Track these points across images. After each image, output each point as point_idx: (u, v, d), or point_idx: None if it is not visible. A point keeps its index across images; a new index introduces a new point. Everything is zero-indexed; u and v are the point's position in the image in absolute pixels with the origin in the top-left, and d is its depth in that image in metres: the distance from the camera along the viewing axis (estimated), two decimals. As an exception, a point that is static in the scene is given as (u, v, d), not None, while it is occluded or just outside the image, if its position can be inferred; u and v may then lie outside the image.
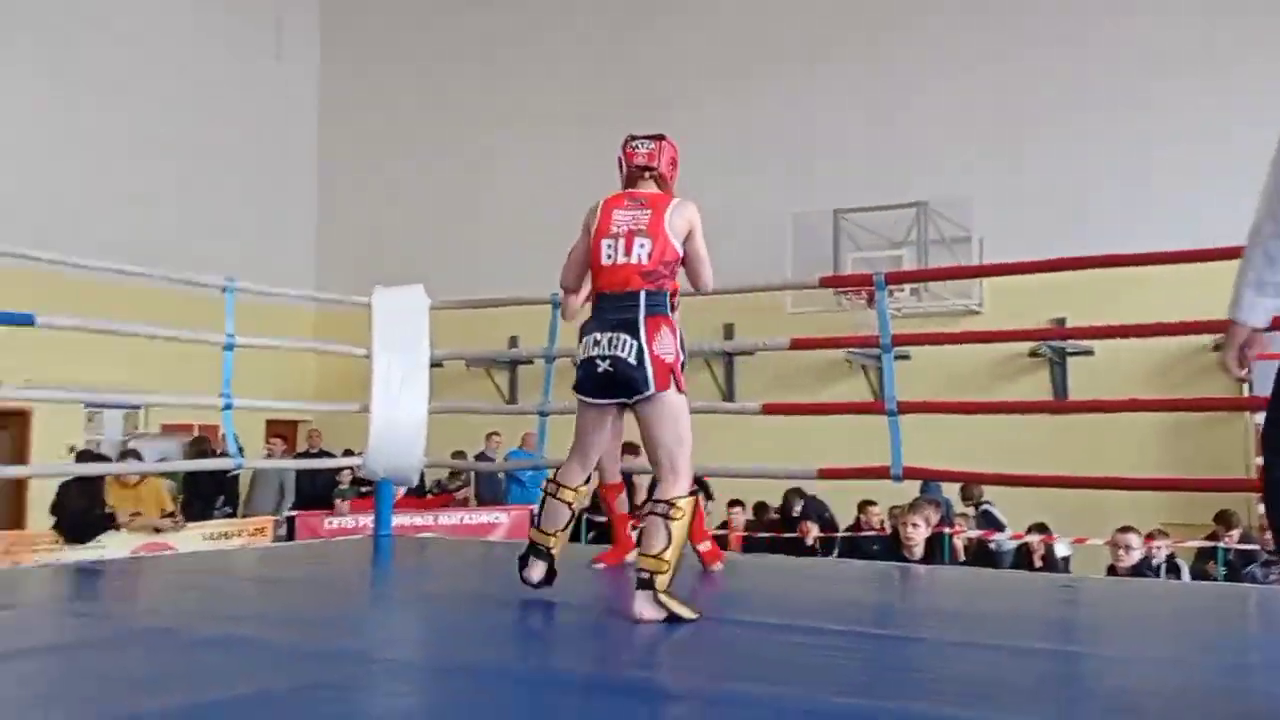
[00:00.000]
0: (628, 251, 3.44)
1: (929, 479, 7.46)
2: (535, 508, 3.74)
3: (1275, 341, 2.48)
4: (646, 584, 3.25)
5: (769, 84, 12.71)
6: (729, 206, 12.46)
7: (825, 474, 5.02)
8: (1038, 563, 7.85)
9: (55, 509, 7.88)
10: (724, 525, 9.52)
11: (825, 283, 6.94)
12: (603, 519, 9.81)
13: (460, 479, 11.59)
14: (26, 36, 11.85)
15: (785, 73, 12.64)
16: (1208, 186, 10.52)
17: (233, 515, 10.11)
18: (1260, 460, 2.18)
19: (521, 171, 13.66)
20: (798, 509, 9.23)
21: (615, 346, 3.37)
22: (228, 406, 5.35)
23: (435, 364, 5.82)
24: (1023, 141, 11.41)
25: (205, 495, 10.15)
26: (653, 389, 3.35)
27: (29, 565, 7.02)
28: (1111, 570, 6.43)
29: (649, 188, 3.64)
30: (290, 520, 9.85)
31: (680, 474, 3.36)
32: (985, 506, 8.82)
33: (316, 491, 10.81)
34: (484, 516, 9.85)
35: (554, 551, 3.66)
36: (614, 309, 3.43)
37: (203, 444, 11.22)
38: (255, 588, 4.49)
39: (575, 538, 4.87)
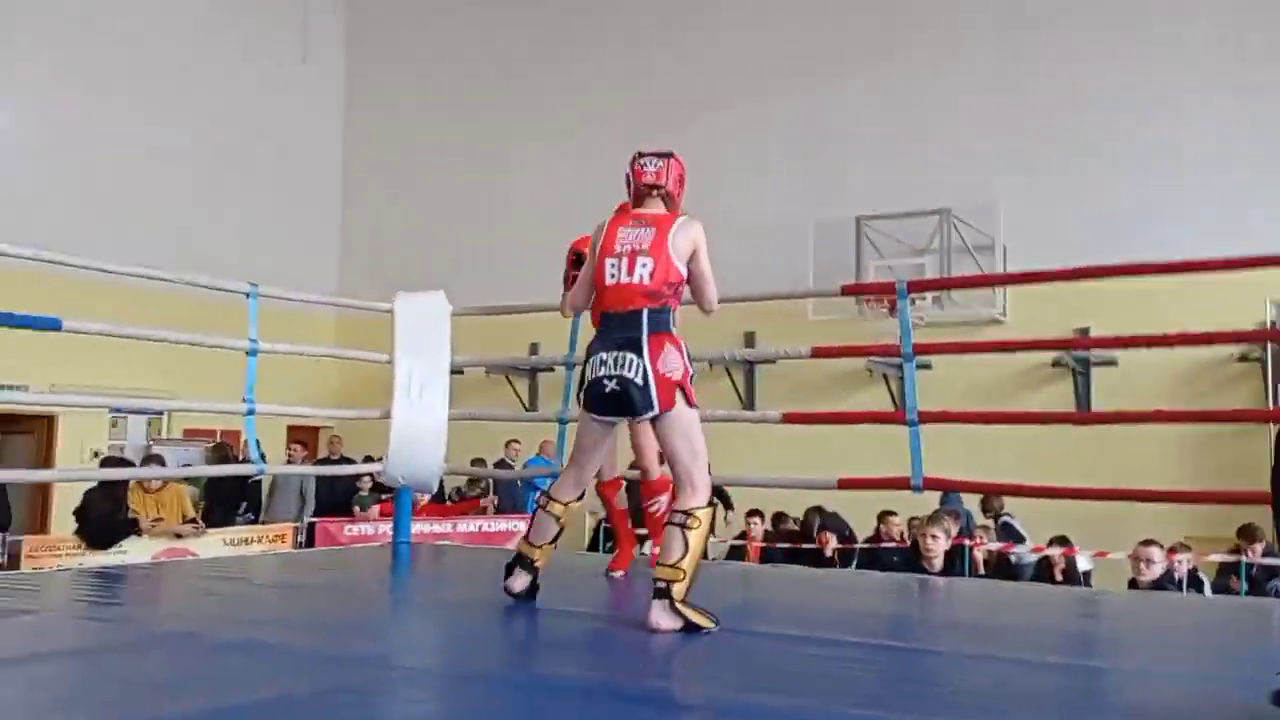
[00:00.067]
0: (630, 271, 3.46)
1: (949, 490, 7.44)
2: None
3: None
4: (663, 593, 3.27)
5: (791, 91, 12.70)
6: (751, 213, 12.48)
7: (845, 484, 5.00)
8: (1058, 576, 7.80)
9: (79, 513, 7.94)
10: (742, 535, 9.49)
11: (847, 291, 6.92)
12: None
13: (480, 486, 11.61)
14: (51, 39, 11.98)
15: (807, 79, 12.63)
16: (1237, 193, 10.46)
17: (255, 521, 10.16)
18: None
19: (544, 178, 13.70)
20: (817, 526, 9.19)
21: (621, 366, 3.39)
22: (250, 412, 5.38)
23: (456, 371, 5.83)
24: (1047, 148, 11.35)
25: (227, 501, 10.21)
26: (657, 410, 3.39)
27: (52, 569, 7.07)
28: (1133, 584, 6.38)
29: (656, 205, 3.64)
30: (310, 527, 9.90)
31: (698, 486, 3.39)
32: (1005, 518, 8.77)
33: (336, 498, 10.85)
34: (502, 524, 9.86)
35: (539, 564, 3.70)
36: (619, 328, 3.45)
37: (224, 449, 11.31)
38: (276, 593, 4.51)
39: (594, 546, 4.87)
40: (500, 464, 11.02)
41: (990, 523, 8.80)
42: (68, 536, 8.05)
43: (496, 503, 11.27)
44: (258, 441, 5.59)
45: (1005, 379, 10.61)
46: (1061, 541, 8.04)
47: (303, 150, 15.06)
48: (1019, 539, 8.45)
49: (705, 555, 3.56)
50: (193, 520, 8.51)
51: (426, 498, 8.67)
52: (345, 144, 15.88)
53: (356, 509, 10.74)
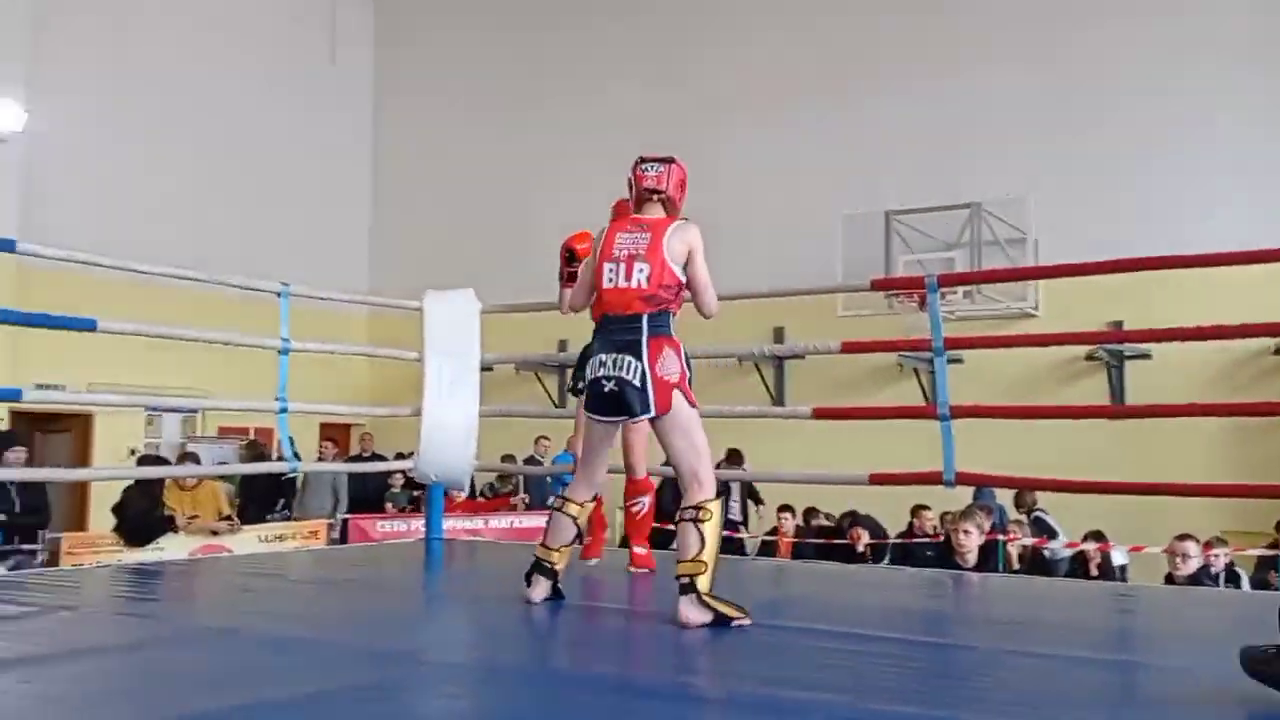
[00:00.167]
0: (628, 276, 3.52)
1: (982, 484, 7.40)
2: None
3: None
4: (689, 588, 3.31)
5: (820, 87, 12.65)
6: (780, 209, 12.46)
7: (876, 479, 4.97)
8: (1093, 571, 7.73)
9: (117, 511, 8.04)
10: (773, 531, 9.48)
11: (876, 285, 6.89)
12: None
13: (510, 483, 11.66)
14: (82, 41, 12.11)
15: (836, 76, 12.57)
16: (1272, 185, 10.33)
17: (290, 518, 10.25)
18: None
19: (573, 175, 13.71)
20: (849, 522, 9.16)
21: (620, 368, 3.46)
22: (283, 410, 5.42)
23: (485, 367, 5.86)
24: (1079, 140, 11.24)
25: (261, 498, 10.30)
26: (654, 411, 3.45)
27: (91, 566, 7.17)
28: (1169, 579, 6.32)
29: (656, 210, 3.70)
30: (344, 523, 9.97)
31: (703, 481, 3.45)
32: (1038, 514, 8.71)
33: (368, 495, 10.93)
34: (533, 521, 9.89)
35: (558, 568, 3.72)
36: (618, 331, 3.52)
37: (257, 447, 11.41)
38: (310, 589, 4.55)
39: (625, 544, 4.89)
40: (530, 460, 11.05)
41: (1023, 518, 8.73)
42: (106, 534, 8.15)
43: (527, 499, 11.31)
44: (291, 439, 5.63)
45: (1038, 373, 10.53)
46: (1096, 536, 7.97)
47: (333, 149, 15.15)
48: (1052, 534, 8.39)
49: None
50: (228, 517, 8.60)
51: (463, 494, 8.71)
52: (375, 143, 15.97)
53: (389, 505, 10.82)
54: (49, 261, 5.27)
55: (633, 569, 4.63)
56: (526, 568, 3.80)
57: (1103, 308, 9.87)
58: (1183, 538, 6.32)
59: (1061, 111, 11.36)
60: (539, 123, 14.33)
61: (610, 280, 3.56)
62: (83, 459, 11.65)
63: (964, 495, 7.98)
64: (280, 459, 6.24)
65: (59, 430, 11.82)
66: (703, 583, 3.30)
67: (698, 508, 3.38)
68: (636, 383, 3.43)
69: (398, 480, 10.85)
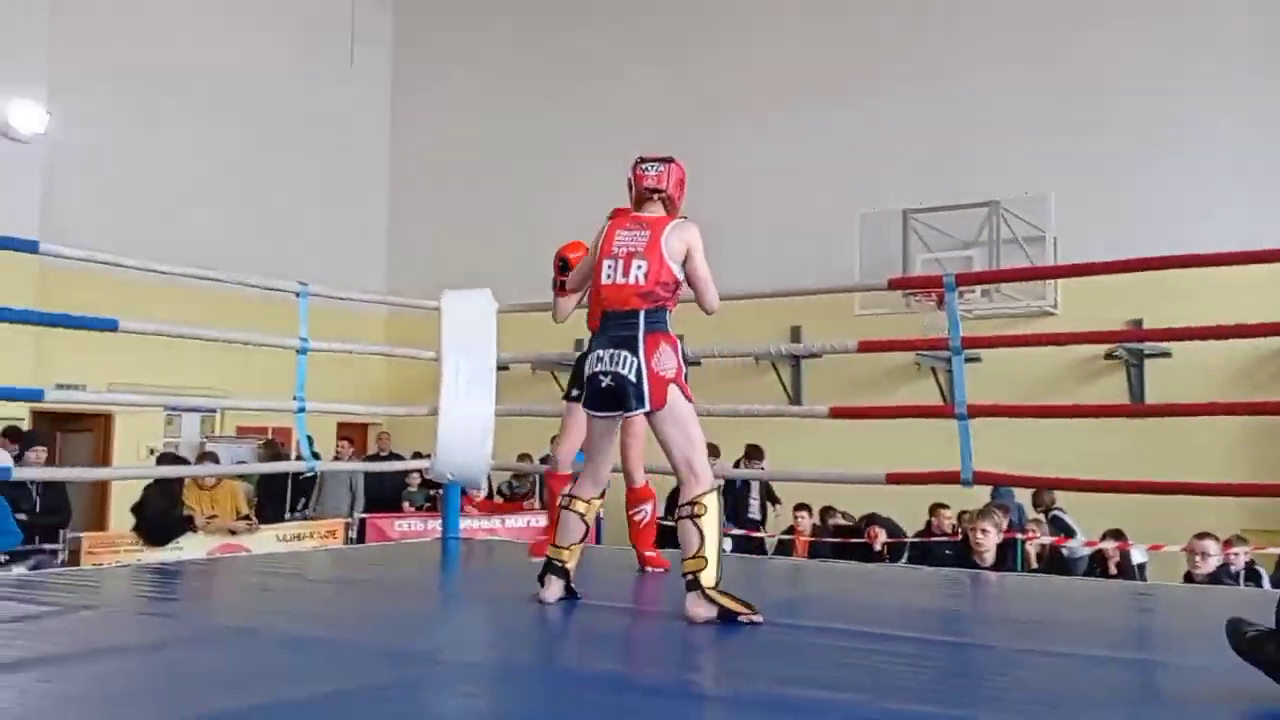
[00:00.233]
0: (625, 272, 3.56)
1: (1000, 484, 7.37)
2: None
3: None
4: (693, 584, 3.35)
5: (836, 86, 12.61)
6: (796, 208, 12.43)
7: (893, 478, 4.96)
8: (1112, 570, 7.70)
9: (137, 510, 8.10)
10: (790, 530, 9.47)
11: (894, 285, 6.88)
12: (670, 522, 9.83)
13: (526, 482, 11.67)
14: (101, 43, 12.17)
15: (852, 74, 12.53)
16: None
17: (310, 517, 10.31)
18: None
19: (589, 176, 13.71)
20: (865, 521, 9.13)
21: (616, 363, 3.51)
22: (301, 409, 5.45)
23: (502, 367, 5.87)
24: (1098, 137, 11.16)
25: (278, 497, 10.36)
26: (648, 406, 3.49)
27: (111, 565, 7.22)
28: (1188, 577, 6.29)
29: (656, 209, 3.74)
30: (361, 523, 10.01)
31: (699, 473, 3.49)
32: (1056, 513, 8.67)
33: (385, 494, 10.97)
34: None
35: (569, 567, 3.75)
36: (616, 327, 3.56)
37: (274, 447, 11.47)
38: (328, 589, 4.57)
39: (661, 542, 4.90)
40: (545, 459, 11.05)
41: (1041, 517, 8.70)
42: (126, 533, 8.21)
43: (541, 498, 11.33)
44: (310, 438, 5.66)
45: (1057, 372, 10.48)
46: (1115, 535, 7.93)
47: (351, 151, 15.20)
48: (1070, 533, 8.35)
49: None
50: (246, 517, 8.66)
51: (481, 494, 8.76)
52: (392, 144, 16.01)
53: (406, 505, 10.86)
54: (70, 262, 5.31)
55: (648, 569, 4.64)
56: (529, 563, 3.82)
57: (1123, 306, 9.81)
58: (1202, 536, 6.29)
59: (1080, 109, 11.28)
60: (555, 122, 14.34)
61: (609, 276, 3.60)
62: (103, 458, 11.72)
63: (983, 494, 7.96)
64: (299, 458, 6.26)
65: (80, 430, 11.90)
66: (706, 577, 3.35)
67: (693, 503, 3.43)
68: (632, 378, 3.48)
69: (414, 479, 10.88)
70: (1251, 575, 7.08)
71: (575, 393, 4.52)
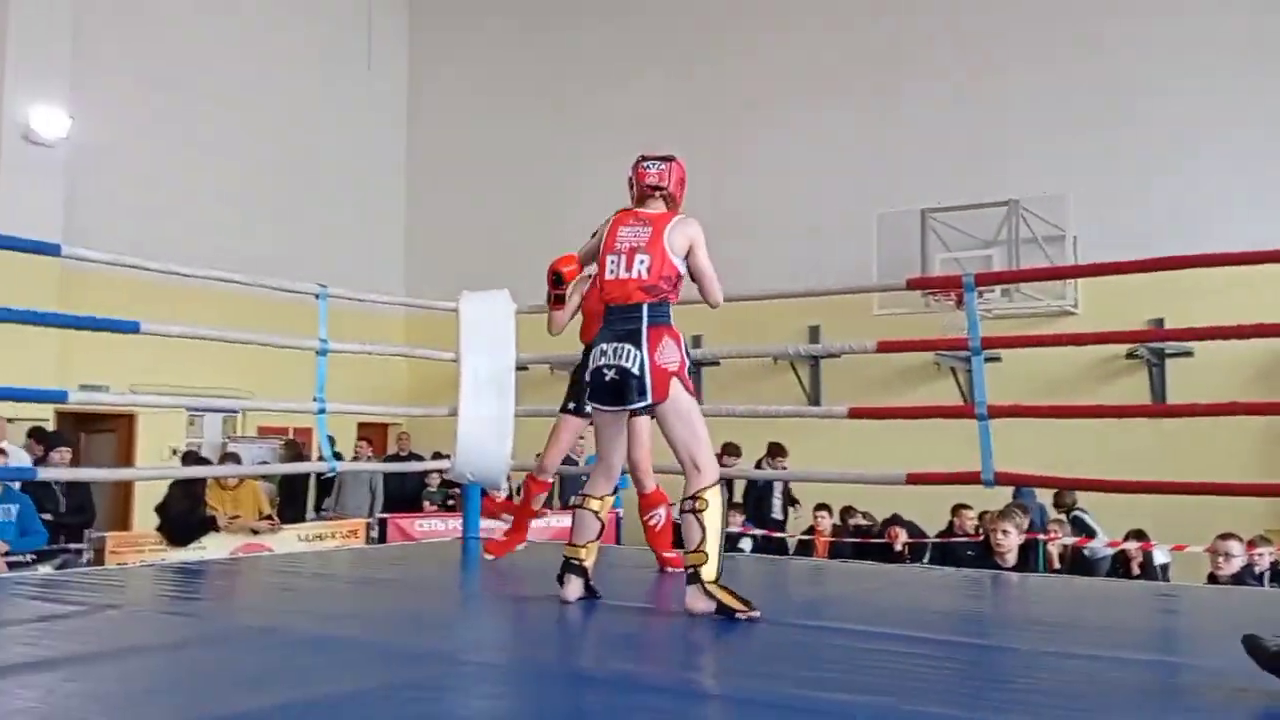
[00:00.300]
0: (629, 267, 3.61)
1: (1022, 484, 7.34)
2: (577, 518, 3.90)
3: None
4: (694, 578, 3.41)
5: (853, 84, 12.59)
6: (814, 208, 12.41)
7: (914, 479, 4.95)
8: (1135, 570, 7.66)
9: (161, 510, 8.15)
10: (810, 530, 9.45)
11: (913, 284, 6.85)
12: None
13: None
14: (122, 47, 12.25)
15: (870, 72, 12.50)
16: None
17: (330, 517, 10.37)
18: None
19: (605, 177, 13.68)
20: (884, 521, 9.10)
21: (620, 356, 3.55)
22: (321, 410, 5.47)
23: (520, 367, 5.87)
24: (1118, 136, 11.10)
25: (300, 497, 10.42)
26: (649, 399, 3.53)
27: (135, 565, 7.27)
28: (1212, 578, 6.25)
29: (657, 206, 3.79)
30: (382, 523, 10.05)
31: (703, 469, 3.53)
32: (1077, 513, 8.63)
33: (405, 494, 11.01)
34: (569, 520, 9.92)
35: (587, 564, 3.79)
36: (620, 321, 3.61)
37: (295, 447, 11.53)
38: (350, 588, 4.59)
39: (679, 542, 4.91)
40: (565, 460, 11.06)
41: (1063, 517, 8.65)
42: (149, 533, 8.27)
43: (560, 499, 11.33)
44: (332, 439, 5.68)
45: (1077, 371, 10.42)
46: (1138, 535, 7.89)
47: (369, 153, 15.26)
48: (1091, 533, 8.31)
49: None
50: (269, 517, 8.70)
51: (501, 494, 8.75)
52: (410, 146, 16.06)
53: (426, 504, 10.90)
54: (93, 265, 5.35)
55: (669, 570, 4.65)
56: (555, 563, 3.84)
57: (1144, 305, 9.76)
58: (1225, 537, 6.25)
59: (1100, 107, 11.22)
60: (572, 123, 14.36)
61: (612, 272, 3.65)
62: (126, 459, 11.80)
63: (1004, 495, 7.93)
64: (321, 459, 6.30)
65: (103, 430, 11.99)
66: (706, 572, 3.40)
67: (695, 498, 3.47)
68: (635, 370, 3.51)
69: (434, 479, 10.92)
70: (1276, 576, 7.03)
71: (572, 405, 4.59)
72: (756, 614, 3.37)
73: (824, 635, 3.30)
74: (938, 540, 8.62)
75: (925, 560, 8.39)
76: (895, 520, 8.91)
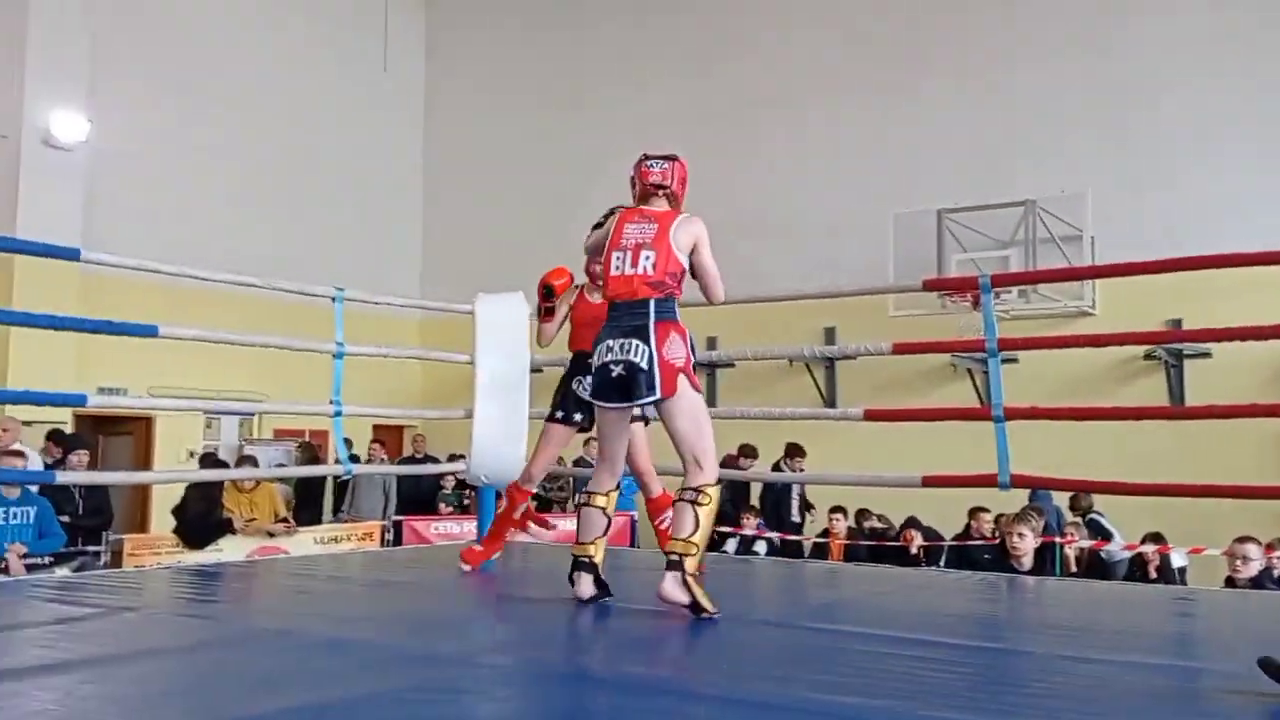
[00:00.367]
0: (634, 263, 3.64)
1: (1038, 487, 7.29)
2: (589, 518, 3.93)
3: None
4: (677, 565, 3.45)
5: (868, 84, 12.56)
6: (829, 208, 12.39)
7: (930, 481, 4.93)
8: (1152, 573, 7.61)
9: (178, 512, 8.20)
10: (825, 533, 9.42)
11: (929, 286, 6.82)
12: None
13: (559, 485, 11.69)
14: (137, 51, 12.32)
15: (885, 72, 12.47)
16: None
17: (344, 519, 10.40)
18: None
19: (622, 177, 13.68)
20: (901, 523, 9.07)
21: (627, 351, 3.57)
22: (338, 413, 5.50)
23: (535, 370, 5.88)
24: (1136, 135, 11.04)
25: (315, 500, 10.45)
26: (658, 394, 3.54)
27: (152, 567, 7.31)
28: (1230, 582, 6.20)
29: (660, 205, 3.83)
30: (397, 525, 10.08)
31: (705, 465, 3.56)
32: (1093, 516, 8.58)
33: (421, 496, 11.03)
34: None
35: (596, 560, 3.82)
36: (626, 316, 3.63)
37: (311, 450, 11.57)
38: (365, 591, 4.61)
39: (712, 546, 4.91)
40: (579, 462, 11.08)
41: (1079, 520, 8.61)
42: (167, 535, 8.32)
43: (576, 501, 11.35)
44: (349, 441, 5.70)
45: (1095, 372, 10.36)
46: (1155, 538, 7.83)
47: (384, 156, 15.31)
48: (1107, 536, 8.26)
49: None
50: (285, 519, 8.74)
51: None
52: (425, 149, 16.11)
53: (441, 506, 10.93)
54: (111, 269, 5.39)
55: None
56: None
57: (1162, 306, 9.70)
58: (1243, 540, 6.20)
59: (1117, 106, 11.17)
60: (588, 124, 14.37)
61: (618, 268, 3.68)
62: (144, 461, 11.87)
63: (1022, 497, 7.89)
64: (338, 461, 6.32)
65: (121, 433, 12.06)
66: (690, 564, 3.44)
67: (698, 490, 3.50)
68: (644, 365, 3.53)
69: (449, 481, 10.95)
70: (1295, 579, 6.97)
71: (560, 415, 4.62)
72: (718, 615, 3.42)
73: (839, 639, 3.30)
74: (953, 543, 8.58)
75: (941, 563, 8.36)
76: (911, 523, 8.88)
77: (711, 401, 12.48)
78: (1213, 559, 7.60)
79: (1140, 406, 8.98)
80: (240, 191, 13.04)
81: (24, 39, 11.05)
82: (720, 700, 2.53)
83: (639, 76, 14.17)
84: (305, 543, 8.64)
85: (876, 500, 9.81)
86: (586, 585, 3.77)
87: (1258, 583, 5.99)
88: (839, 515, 9.36)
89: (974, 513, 8.63)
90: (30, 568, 6.76)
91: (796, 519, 9.99)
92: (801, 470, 9.78)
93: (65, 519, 7.48)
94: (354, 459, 9.06)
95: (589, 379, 4.51)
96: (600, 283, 4.43)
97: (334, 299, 5.50)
